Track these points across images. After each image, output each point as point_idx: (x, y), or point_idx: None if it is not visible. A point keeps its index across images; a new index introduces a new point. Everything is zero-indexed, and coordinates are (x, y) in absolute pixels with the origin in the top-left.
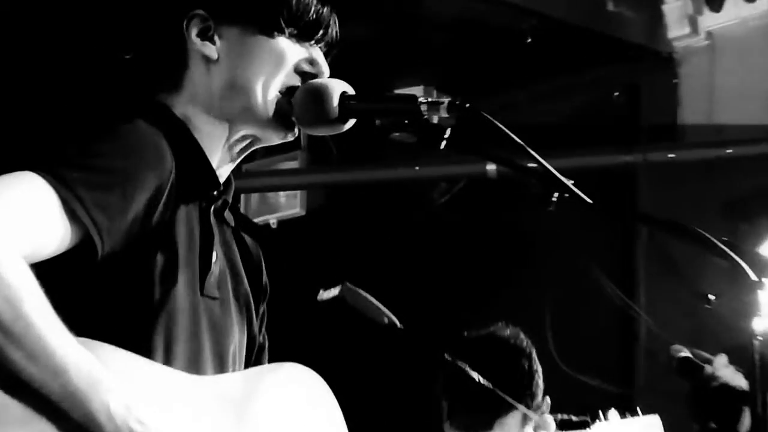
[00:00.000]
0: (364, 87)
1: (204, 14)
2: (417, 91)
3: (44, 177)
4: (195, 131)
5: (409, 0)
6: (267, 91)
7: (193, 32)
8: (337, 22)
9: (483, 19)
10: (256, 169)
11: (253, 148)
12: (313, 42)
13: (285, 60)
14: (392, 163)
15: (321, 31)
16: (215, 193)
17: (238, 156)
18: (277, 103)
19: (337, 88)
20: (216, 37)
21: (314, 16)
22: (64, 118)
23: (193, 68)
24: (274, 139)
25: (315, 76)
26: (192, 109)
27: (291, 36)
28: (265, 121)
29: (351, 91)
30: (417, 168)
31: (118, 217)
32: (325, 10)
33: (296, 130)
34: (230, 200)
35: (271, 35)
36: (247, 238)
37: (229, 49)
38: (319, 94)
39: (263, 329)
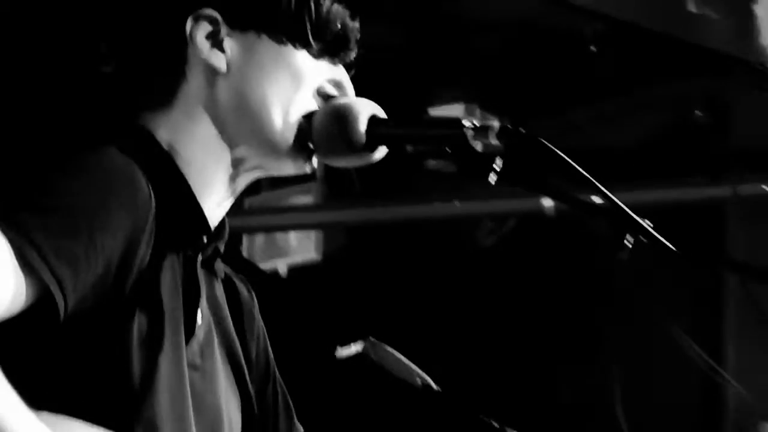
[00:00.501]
0: (392, 104)
1: (214, 15)
2: (457, 109)
3: None
4: (183, 163)
5: None
6: (287, 114)
7: (200, 35)
8: (359, 32)
9: (537, 22)
10: (261, 205)
11: (255, 178)
12: (337, 60)
13: (307, 79)
14: (427, 198)
15: (348, 48)
16: (204, 239)
17: (239, 190)
18: (297, 129)
19: (365, 110)
20: (226, 44)
21: (342, 28)
22: (15, 145)
23: (192, 81)
24: (288, 171)
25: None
26: (183, 133)
27: (315, 51)
28: (281, 151)
29: (381, 113)
30: (457, 204)
31: (85, 268)
32: (352, 21)
33: (315, 161)
34: (222, 247)
35: (293, 47)
36: (239, 284)
37: (241, 60)
38: (344, 118)
39: (270, 360)
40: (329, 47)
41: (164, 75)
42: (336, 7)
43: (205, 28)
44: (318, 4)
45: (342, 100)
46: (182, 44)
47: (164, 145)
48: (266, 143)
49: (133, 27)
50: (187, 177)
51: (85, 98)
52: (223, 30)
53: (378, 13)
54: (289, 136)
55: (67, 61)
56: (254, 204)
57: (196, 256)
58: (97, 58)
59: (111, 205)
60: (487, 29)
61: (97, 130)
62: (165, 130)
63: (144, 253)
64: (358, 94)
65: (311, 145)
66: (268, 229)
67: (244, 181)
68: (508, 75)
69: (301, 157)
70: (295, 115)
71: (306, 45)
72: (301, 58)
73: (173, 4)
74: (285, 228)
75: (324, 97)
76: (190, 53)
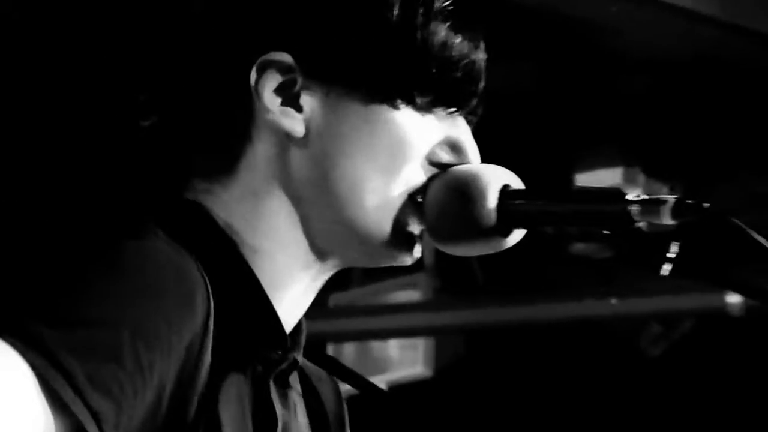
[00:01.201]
0: (527, 168)
1: (288, 62)
2: (613, 175)
3: (7, 341)
4: (248, 251)
5: (600, 26)
6: (386, 195)
7: (268, 89)
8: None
9: (717, 57)
10: (351, 304)
11: (342, 268)
12: (456, 111)
13: (415, 146)
14: (573, 293)
15: (474, 94)
16: (279, 352)
17: (321, 285)
18: (399, 214)
19: (495, 179)
20: (304, 101)
21: (463, 71)
22: (35, 225)
23: (259, 146)
24: (384, 262)
25: (458, 165)
26: (246, 213)
27: (424, 105)
28: (376, 241)
29: (516, 182)
30: (613, 302)
31: (130, 399)
32: (479, 57)
33: (420, 248)
34: (300, 357)
35: (393, 105)
36: (322, 385)
37: (323, 122)
38: (467, 191)
39: None
40: (445, 97)
41: (221, 136)
42: (459, 41)
43: (274, 78)
44: (433, 44)
45: (463, 168)
46: (245, 97)
47: (224, 227)
48: (356, 233)
49: (179, 72)
50: (254, 269)
51: (121, 161)
52: (300, 81)
53: (511, 49)
54: (388, 223)
55: (96, 114)
56: (342, 302)
57: (269, 374)
58: (135, 108)
59: (160, 313)
60: (649, 66)
61: (137, 206)
62: (223, 208)
63: (204, 372)
64: (480, 154)
65: (417, 232)
66: (361, 337)
67: (328, 273)
68: (677, 126)
69: (402, 246)
70: (397, 196)
71: (410, 101)
72: (406, 117)
73: (231, 44)
74: (383, 335)
75: (437, 166)
76: (257, 110)
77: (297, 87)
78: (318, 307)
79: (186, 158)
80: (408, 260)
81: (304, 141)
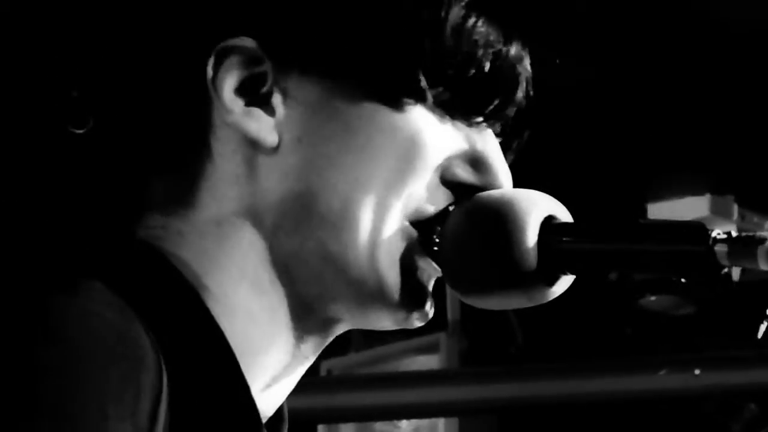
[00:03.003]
0: (582, 195)
1: (254, 49)
2: (697, 205)
3: None
4: (215, 304)
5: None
6: (386, 222)
7: (228, 85)
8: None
9: None
10: (350, 372)
11: (338, 332)
12: (482, 119)
13: (425, 155)
14: (643, 361)
15: (504, 102)
16: None
17: (311, 354)
18: (404, 253)
19: (536, 209)
20: (275, 101)
21: (491, 65)
22: None
23: (221, 161)
24: (383, 323)
25: (482, 189)
26: (211, 251)
27: (439, 106)
28: (374, 291)
29: (563, 213)
30: (697, 373)
31: None
32: (513, 49)
33: (431, 304)
34: None
35: (398, 104)
36: None
37: (303, 128)
38: (499, 224)
39: None
40: (466, 96)
41: (174, 149)
42: (484, 27)
43: (237, 71)
44: (449, 26)
45: (494, 195)
46: (201, 97)
47: (182, 273)
48: (345, 275)
49: (120, 59)
50: (223, 329)
51: (47, 181)
52: (271, 75)
53: (569, 50)
54: (388, 264)
55: (11, 116)
56: (338, 370)
57: None
58: (65, 108)
59: (89, 409)
60: (740, 63)
61: (67, 246)
62: (180, 245)
63: None
64: (520, 174)
65: (429, 278)
66: (363, 416)
67: (316, 338)
68: None
69: (409, 299)
70: (402, 227)
71: (420, 97)
72: (416, 118)
73: (182, 25)
74: (392, 414)
75: (453, 186)
76: (216, 114)
77: (267, 83)
78: (307, 376)
79: (134, 178)
80: (416, 320)
81: (277, 153)
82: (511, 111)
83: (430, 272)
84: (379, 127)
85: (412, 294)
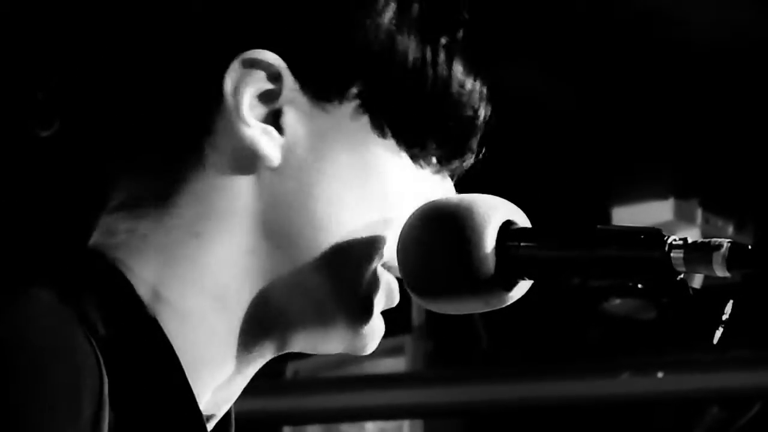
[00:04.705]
0: (545, 200)
1: (279, 67)
2: (660, 210)
3: None
4: (171, 314)
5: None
6: (361, 276)
7: (248, 98)
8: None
9: None
10: (315, 375)
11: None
12: (449, 169)
13: (406, 201)
14: (605, 364)
15: (470, 152)
16: None
17: (257, 367)
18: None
19: (494, 213)
20: (286, 120)
21: (477, 121)
22: None
23: (213, 171)
24: (335, 344)
25: None
26: (182, 261)
27: (431, 157)
28: (344, 316)
29: (521, 219)
30: (660, 376)
31: None
32: (483, 109)
33: (381, 321)
34: None
35: (407, 161)
36: None
37: (308, 154)
38: (456, 227)
39: None
40: (455, 149)
41: (157, 153)
42: (474, 87)
43: (258, 85)
44: (453, 87)
45: (452, 199)
46: (206, 101)
47: (143, 291)
48: (315, 306)
49: (98, 57)
50: (174, 339)
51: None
52: (285, 94)
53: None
54: (351, 297)
55: None
56: (303, 372)
57: None
58: (29, 111)
59: (37, 417)
60: (702, 71)
61: (14, 251)
62: (141, 250)
63: None
64: (499, 185)
65: (398, 279)
66: (329, 418)
67: (269, 356)
68: (751, 146)
69: (355, 312)
70: (379, 259)
71: (424, 147)
72: (405, 165)
73: (195, 28)
74: (357, 416)
75: None
76: (222, 122)
77: (279, 101)
78: (272, 379)
79: (99, 179)
80: (369, 347)
81: (275, 174)
82: (469, 162)
83: (389, 278)
84: (376, 171)
85: (367, 312)
